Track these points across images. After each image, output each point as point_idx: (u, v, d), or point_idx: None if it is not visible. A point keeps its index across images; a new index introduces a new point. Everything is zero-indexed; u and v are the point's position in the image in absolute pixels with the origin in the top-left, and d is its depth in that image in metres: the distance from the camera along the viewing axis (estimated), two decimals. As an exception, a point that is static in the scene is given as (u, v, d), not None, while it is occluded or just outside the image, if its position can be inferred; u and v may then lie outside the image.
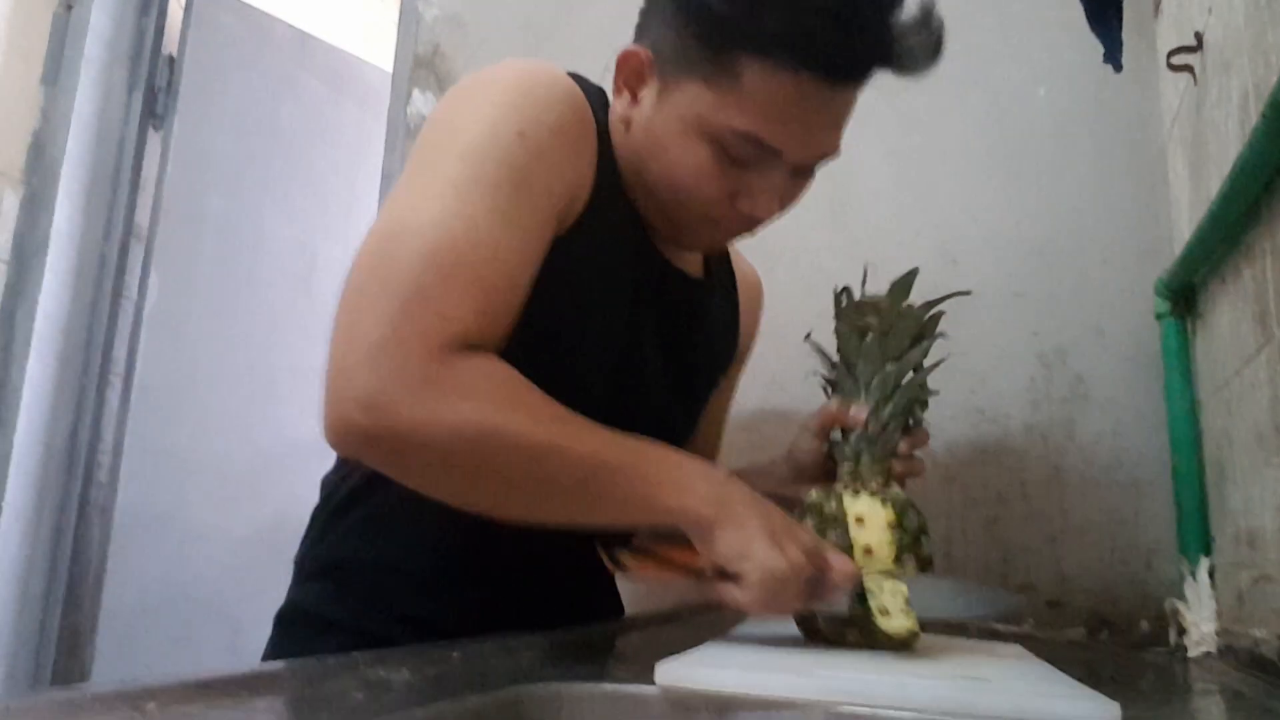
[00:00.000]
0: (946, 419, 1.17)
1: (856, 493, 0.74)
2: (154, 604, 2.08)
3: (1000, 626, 1.11)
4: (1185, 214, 1.08)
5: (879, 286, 0.80)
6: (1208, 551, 1.01)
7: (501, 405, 0.63)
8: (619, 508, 0.67)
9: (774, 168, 0.75)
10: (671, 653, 0.56)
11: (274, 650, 0.82)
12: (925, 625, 0.72)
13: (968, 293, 0.82)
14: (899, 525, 0.72)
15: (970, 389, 1.20)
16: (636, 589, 1.02)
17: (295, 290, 2.37)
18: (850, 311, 0.78)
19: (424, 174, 0.70)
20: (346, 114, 2.50)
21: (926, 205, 1.27)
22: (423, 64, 1.45)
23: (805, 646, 0.71)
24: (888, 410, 0.76)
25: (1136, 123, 1.22)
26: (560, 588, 0.84)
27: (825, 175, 0.82)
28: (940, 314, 0.78)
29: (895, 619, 0.68)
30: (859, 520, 0.72)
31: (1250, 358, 0.82)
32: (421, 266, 0.63)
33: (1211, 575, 0.99)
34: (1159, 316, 1.11)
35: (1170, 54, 0.99)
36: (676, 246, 0.86)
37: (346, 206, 2.45)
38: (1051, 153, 1.24)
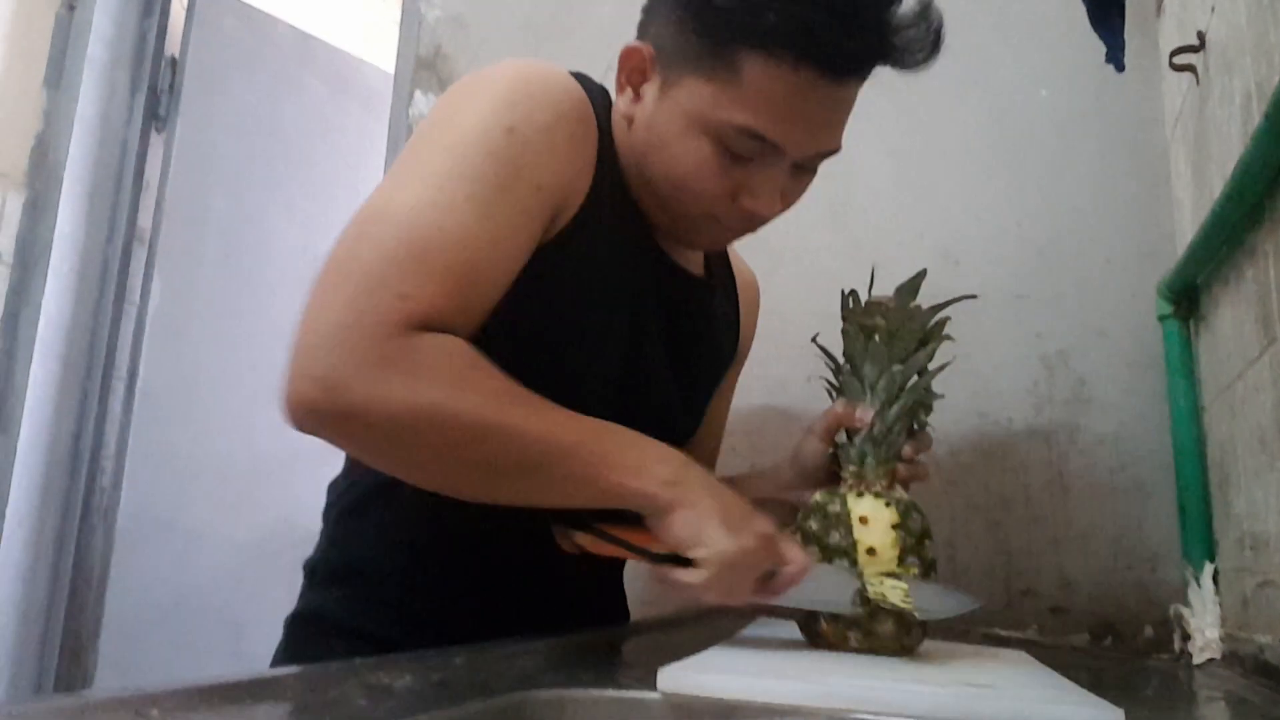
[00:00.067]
0: (949, 422, 1.16)
1: (861, 494, 0.74)
2: (157, 608, 2.08)
3: (1004, 632, 1.11)
4: (1188, 215, 1.08)
5: (880, 288, 0.80)
6: (1212, 556, 1.01)
7: (455, 384, 0.63)
8: (573, 488, 0.67)
9: (775, 164, 0.75)
10: (675, 658, 0.55)
11: (286, 656, 0.82)
12: (927, 631, 0.72)
13: (974, 296, 0.82)
14: (903, 526, 0.72)
15: (972, 392, 1.19)
16: (643, 595, 1.02)
17: (298, 292, 2.36)
18: (858, 312, 0.78)
19: (409, 164, 0.71)
20: (348, 115, 2.50)
21: (928, 206, 1.26)
22: (424, 65, 1.45)
23: (808, 651, 0.71)
24: (893, 412, 0.76)
25: (1138, 123, 1.22)
26: (572, 593, 0.84)
27: (826, 176, 0.82)
28: (947, 318, 0.78)
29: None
30: (863, 521, 0.72)
31: (1253, 360, 0.81)
32: (389, 249, 0.64)
33: (1216, 580, 0.99)
34: (1161, 318, 1.11)
35: (1173, 54, 0.99)
36: (679, 245, 0.86)
37: (349, 208, 2.42)
38: (1053, 153, 1.24)
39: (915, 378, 0.78)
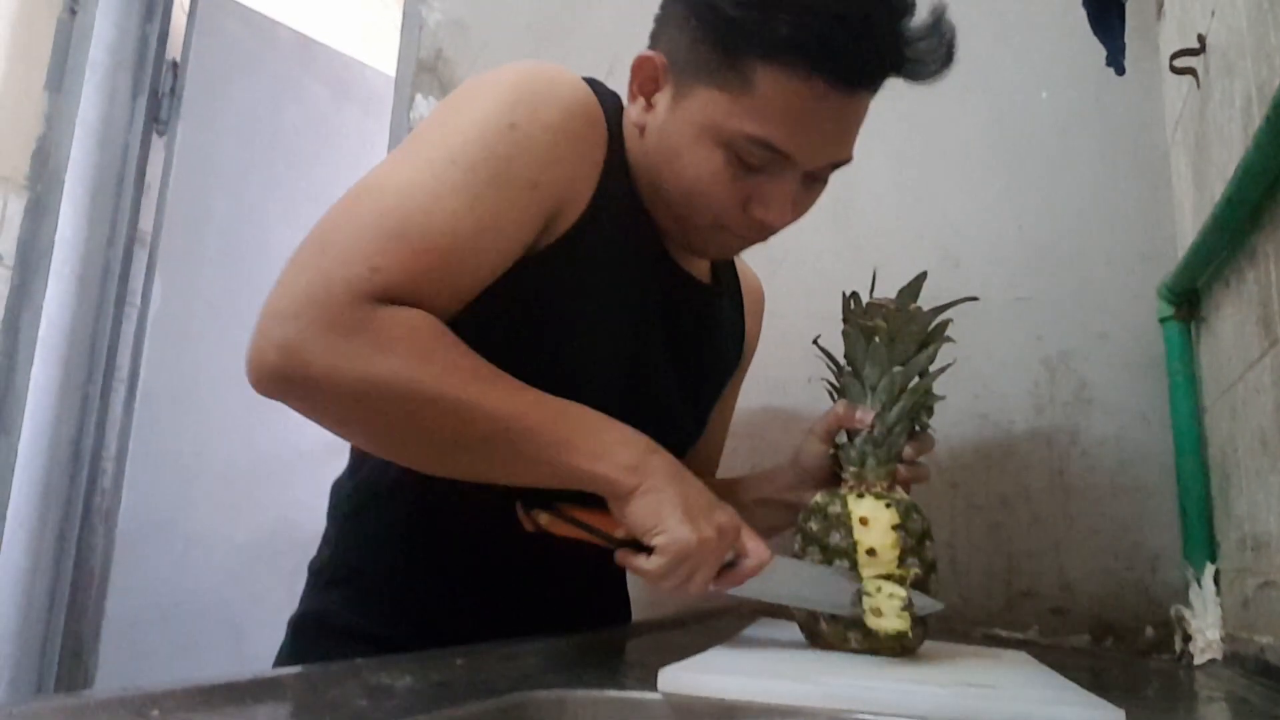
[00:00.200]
0: (949, 423, 1.16)
1: (861, 495, 0.74)
2: (157, 609, 2.08)
3: (1004, 633, 1.11)
4: (1188, 217, 1.08)
5: (881, 290, 0.80)
6: (1213, 557, 1.01)
7: (416, 356, 0.63)
8: (532, 468, 0.67)
9: (787, 174, 0.75)
10: (676, 658, 0.55)
11: (289, 657, 0.82)
12: (927, 631, 0.72)
13: (975, 298, 0.82)
14: (903, 528, 0.72)
15: (973, 393, 1.19)
16: (645, 595, 1.02)
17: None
18: (859, 314, 0.78)
19: (409, 149, 0.71)
20: (349, 118, 2.51)
21: (929, 209, 1.27)
22: (425, 68, 1.45)
23: (809, 652, 0.71)
24: (894, 413, 0.76)
25: (1139, 126, 1.22)
26: (573, 594, 0.85)
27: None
28: (948, 320, 0.78)
29: (888, 620, 0.68)
30: (863, 521, 0.72)
31: (1254, 361, 0.81)
32: (370, 222, 0.65)
33: (1217, 581, 0.99)
34: (1162, 320, 1.11)
35: (1173, 56, 0.99)
36: (689, 253, 0.86)
37: (349, 211, 2.45)
38: (1054, 156, 1.24)
39: (916, 379, 0.78)
